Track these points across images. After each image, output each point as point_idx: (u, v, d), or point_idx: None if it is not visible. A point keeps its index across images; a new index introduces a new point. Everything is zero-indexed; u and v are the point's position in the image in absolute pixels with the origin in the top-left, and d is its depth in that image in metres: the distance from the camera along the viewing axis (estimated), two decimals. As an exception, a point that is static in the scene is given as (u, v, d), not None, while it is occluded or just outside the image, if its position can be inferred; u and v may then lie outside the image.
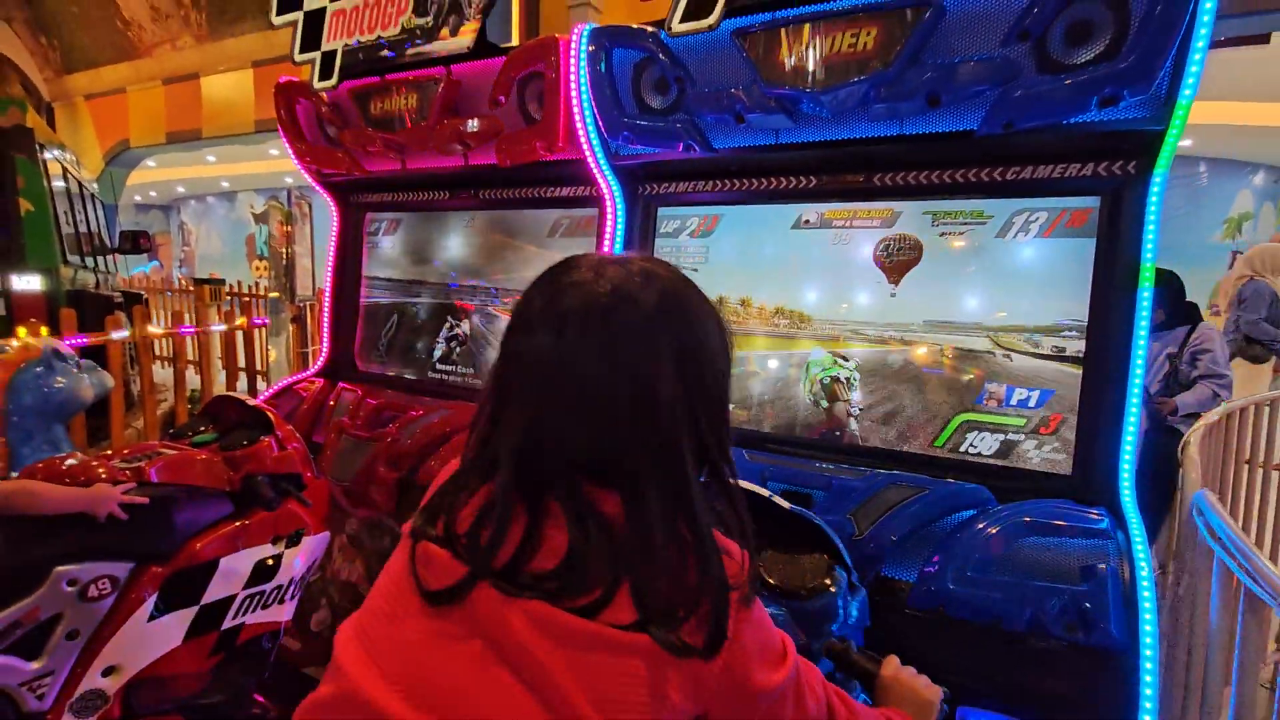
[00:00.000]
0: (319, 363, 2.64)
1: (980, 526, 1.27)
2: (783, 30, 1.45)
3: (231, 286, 8.51)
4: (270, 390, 2.53)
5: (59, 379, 2.65)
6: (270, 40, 8.57)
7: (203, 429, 1.69)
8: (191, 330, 4.31)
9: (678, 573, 0.60)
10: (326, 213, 2.73)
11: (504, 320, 2.20)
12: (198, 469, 1.50)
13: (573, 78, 1.72)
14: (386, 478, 1.96)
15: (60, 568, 1.28)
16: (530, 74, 1.83)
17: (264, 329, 4.91)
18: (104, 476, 1.40)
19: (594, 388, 0.61)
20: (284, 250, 5.03)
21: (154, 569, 1.40)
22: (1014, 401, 1.46)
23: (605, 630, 0.57)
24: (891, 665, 0.87)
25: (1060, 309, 1.43)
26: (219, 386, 4.95)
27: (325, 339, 2.63)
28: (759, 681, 0.63)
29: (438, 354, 2.39)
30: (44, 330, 3.68)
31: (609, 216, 1.92)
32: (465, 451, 0.69)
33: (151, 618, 1.40)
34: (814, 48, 1.41)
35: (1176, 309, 3.00)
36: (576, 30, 1.71)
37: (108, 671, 1.37)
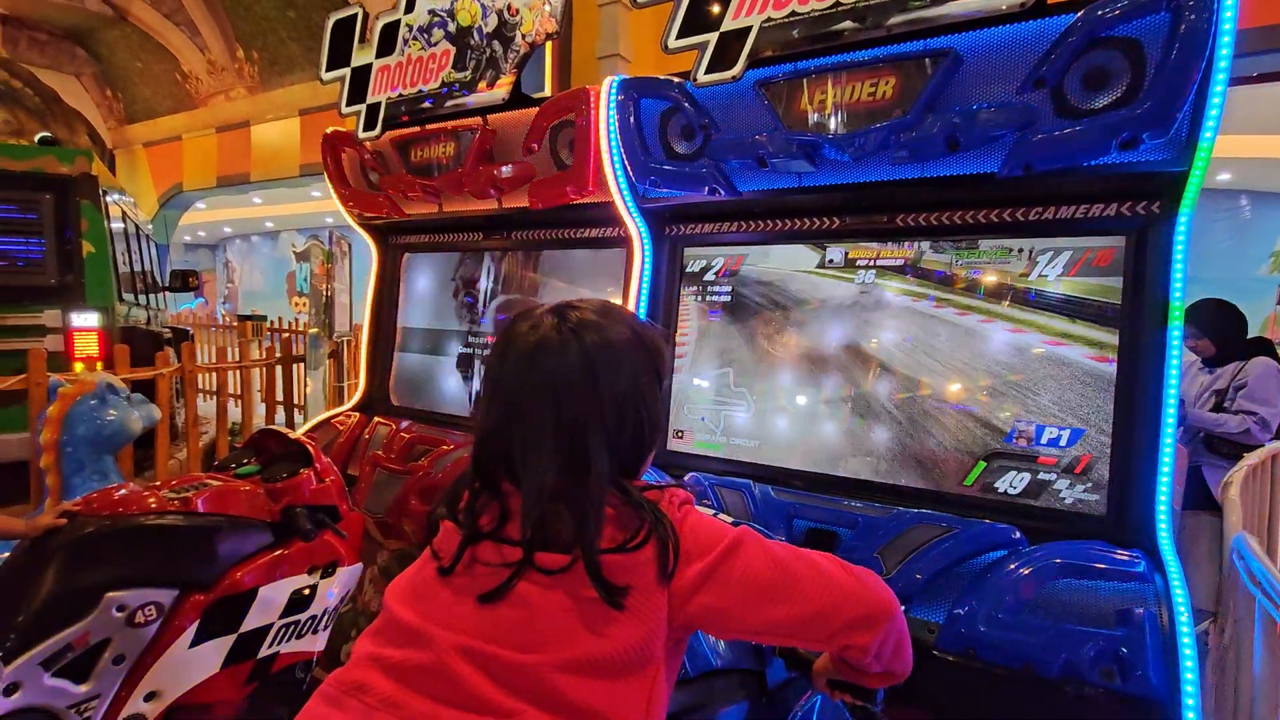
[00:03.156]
0: (356, 397, 2.73)
1: (1012, 567, 1.25)
2: (804, 80, 1.51)
3: (273, 322, 8.80)
4: (310, 424, 2.61)
5: (111, 411, 2.78)
6: (317, 90, 9.03)
7: (246, 461, 1.75)
8: (235, 365, 4.46)
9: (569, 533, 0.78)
10: (363, 251, 2.85)
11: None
12: (241, 500, 1.56)
13: (602, 125, 1.80)
14: (418, 510, 2.00)
15: (111, 593, 1.34)
16: (562, 122, 1.92)
17: (302, 364, 5.07)
18: (153, 506, 1.47)
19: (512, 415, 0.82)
20: (324, 288, 5.22)
21: (197, 596, 1.45)
22: (1044, 440, 1.45)
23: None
24: None
25: (1087, 348, 1.43)
26: (259, 419, 5.10)
27: (362, 374, 2.72)
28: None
29: (467, 389, 2.45)
30: (99, 365, 3.86)
31: (637, 256, 1.98)
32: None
33: (192, 645, 1.45)
34: (834, 96, 1.46)
35: (1233, 342, 2.90)
36: (607, 81, 1.79)
37: (149, 697, 1.41)
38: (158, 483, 1.58)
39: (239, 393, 4.53)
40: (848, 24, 1.46)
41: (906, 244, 1.66)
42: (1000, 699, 1.19)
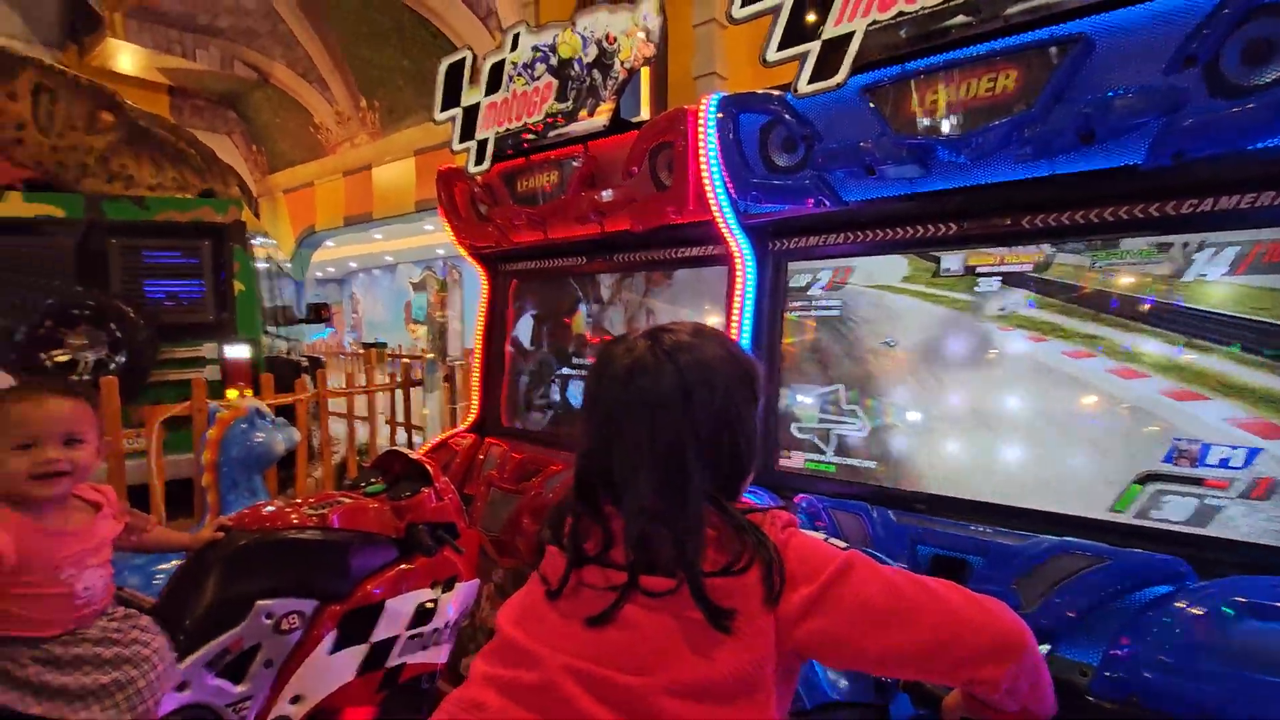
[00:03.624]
0: (470, 419, 2.86)
1: (1182, 605, 1.11)
2: (912, 81, 1.44)
3: (394, 349, 9.43)
4: (429, 444, 2.76)
5: (259, 434, 3.05)
6: (429, 130, 9.71)
7: (374, 480, 1.87)
8: (360, 390, 4.82)
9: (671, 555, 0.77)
10: (473, 279, 3.00)
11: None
12: (370, 517, 1.66)
13: (701, 144, 1.80)
14: (531, 529, 2.06)
15: (260, 601, 1.46)
16: (661, 144, 1.94)
17: (419, 387, 5.38)
18: (295, 521, 1.59)
19: (614, 434, 0.84)
20: (438, 315, 5.55)
21: (334, 607, 1.56)
22: (1212, 460, 1.28)
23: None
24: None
25: (1263, 353, 1.26)
26: (383, 439, 5.46)
27: (475, 397, 2.85)
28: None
29: (570, 411, 2.51)
30: (249, 392, 4.29)
31: (739, 273, 1.96)
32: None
33: (331, 652, 1.55)
34: (947, 95, 1.38)
35: None
36: (704, 100, 1.80)
37: (295, 700, 1.52)
38: (297, 500, 1.71)
39: (366, 415, 4.89)
40: (960, 19, 1.38)
41: (1033, 247, 1.53)
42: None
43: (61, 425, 1.22)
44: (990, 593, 1.17)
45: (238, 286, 4.58)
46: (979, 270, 1.61)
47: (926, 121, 1.43)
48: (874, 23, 1.44)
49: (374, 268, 21.16)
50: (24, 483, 1.18)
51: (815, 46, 1.51)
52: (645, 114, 2.14)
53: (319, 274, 20.54)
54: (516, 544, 2.12)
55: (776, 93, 1.67)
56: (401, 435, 5.62)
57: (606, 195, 2.06)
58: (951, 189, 1.53)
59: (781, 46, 1.56)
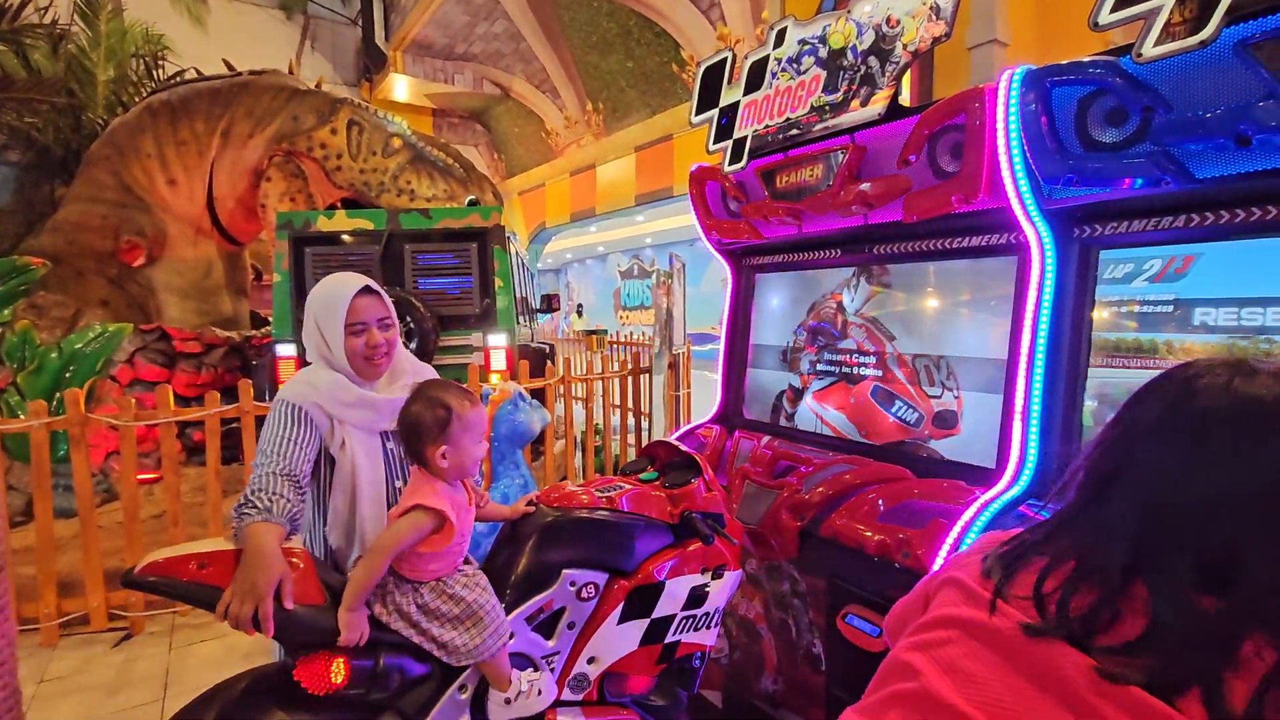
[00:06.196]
0: (714, 410, 2.94)
1: None
2: (1315, 27, 1.16)
3: (613, 336, 10.04)
4: (677, 434, 2.90)
5: (522, 415, 3.44)
6: (648, 127, 10.15)
7: (646, 467, 2.01)
8: (601, 376, 5.20)
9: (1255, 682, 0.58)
10: (692, 270, 3.06)
11: (894, 377, 2.16)
12: (651, 503, 1.78)
13: (1000, 124, 1.64)
14: (789, 525, 2.06)
15: (567, 570, 1.65)
16: (945, 128, 1.80)
17: (649, 374, 5.67)
18: (585, 501, 1.76)
19: (1232, 504, 0.62)
20: (664, 304, 5.79)
21: (622, 582, 1.71)
22: None
23: None
24: None
25: None
26: (611, 421, 5.86)
27: (720, 389, 2.92)
28: None
29: (869, 418, 2.43)
30: (507, 377, 4.86)
31: (1035, 264, 1.76)
32: (1042, 528, 0.80)
33: (619, 622, 1.70)
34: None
35: None
36: (1006, 75, 1.63)
37: (590, 660, 1.70)
38: (584, 482, 1.89)
39: (585, 398, 5.28)
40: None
41: None
42: None
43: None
44: None
45: (497, 283, 5.19)
46: (1399, 256, 1.27)
47: (1336, 75, 1.15)
48: (1259, -38, 1.18)
49: (587, 258, 22.67)
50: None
51: (1168, 1, 1.29)
52: (909, 98, 2.00)
53: (540, 265, 22.59)
54: (773, 539, 2.14)
55: (1103, 59, 1.46)
56: (631, 420, 5.97)
57: (878, 186, 1.96)
58: (1363, 156, 1.22)
59: (1120, 6, 1.35)
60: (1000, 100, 1.63)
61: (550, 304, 7.48)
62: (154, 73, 7.91)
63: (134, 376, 5.22)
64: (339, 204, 6.17)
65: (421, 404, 1.49)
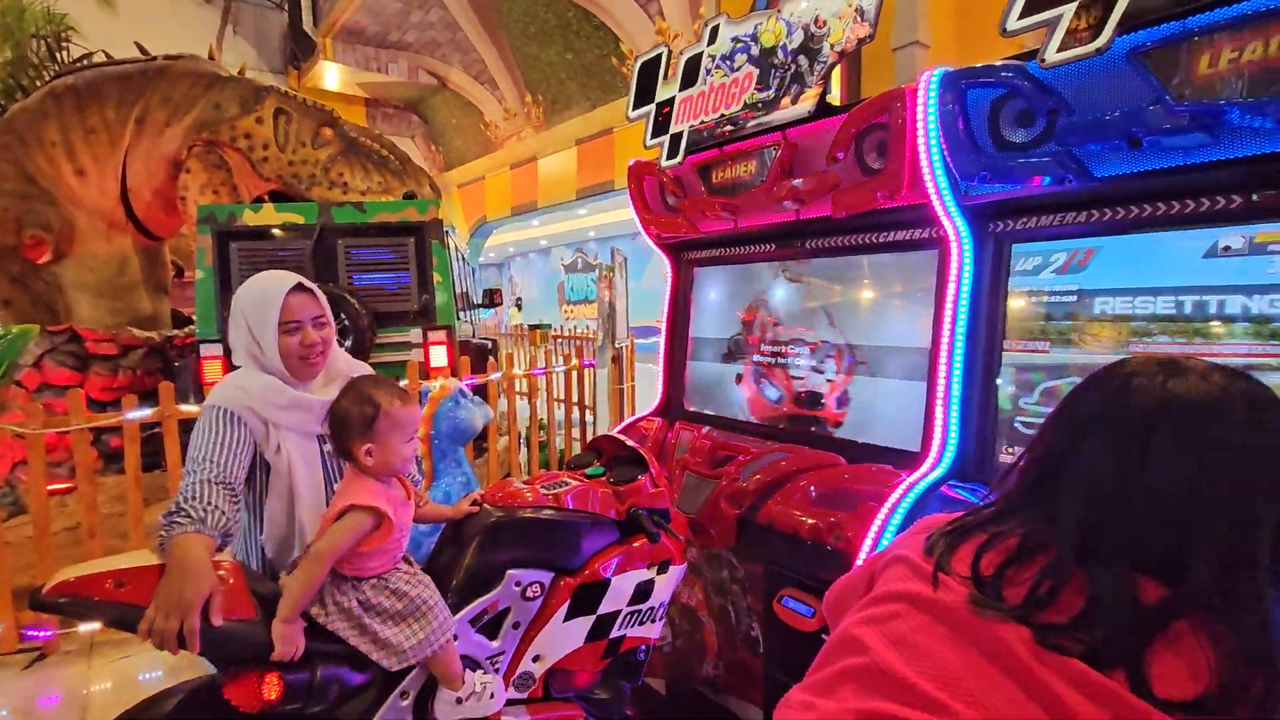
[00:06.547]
0: (655, 403, 2.97)
1: None
2: (1195, 40, 1.26)
3: (556, 330, 9.98)
4: (618, 427, 2.91)
5: (463, 411, 3.39)
6: (589, 120, 10.10)
7: (593, 462, 2.01)
8: (542, 371, 5.16)
9: (1209, 662, 0.63)
10: (636, 264, 3.08)
11: (826, 368, 2.24)
12: (597, 499, 1.79)
13: (920, 124, 1.71)
14: (728, 514, 2.11)
15: (511, 570, 1.64)
16: (870, 126, 1.87)
17: (592, 368, 5.67)
18: (531, 499, 1.76)
19: (1174, 498, 0.68)
20: (606, 298, 5.79)
21: (567, 580, 1.71)
22: None
23: (1133, 699, 0.62)
24: None
25: None
26: (554, 415, 5.83)
27: (661, 382, 2.95)
28: None
29: (756, 397, 2.52)
30: (449, 374, 4.77)
31: (954, 258, 1.85)
32: (987, 509, 0.85)
33: (565, 619, 1.71)
34: (1247, 52, 1.20)
35: None
36: (925, 76, 1.70)
37: (535, 658, 1.70)
38: (529, 480, 1.89)
39: (527, 393, 5.24)
40: (1262, -40, 1.19)
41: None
42: None
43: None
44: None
45: (435, 278, 5.08)
46: (1270, 248, 1.39)
47: (1213, 84, 1.25)
48: (1147, -24, 1.27)
49: (530, 251, 22.41)
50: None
51: (1068, 10, 1.37)
52: (839, 96, 2.06)
53: (482, 259, 22.17)
54: (712, 528, 2.18)
55: (1013, 63, 1.54)
56: (575, 414, 5.96)
57: (808, 183, 2.02)
58: (1237, 158, 1.33)
59: (1026, 13, 1.43)
60: (920, 101, 1.71)
61: (492, 299, 7.37)
62: (57, 55, 7.36)
63: (42, 381, 4.88)
64: (267, 197, 5.91)
65: (349, 399, 1.46)
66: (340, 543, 1.36)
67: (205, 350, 4.64)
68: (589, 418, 5.90)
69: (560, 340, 9.45)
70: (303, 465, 1.56)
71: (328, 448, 1.61)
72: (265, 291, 1.55)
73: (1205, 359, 0.76)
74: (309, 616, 1.38)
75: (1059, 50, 1.39)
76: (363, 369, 1.74)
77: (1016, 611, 0.71)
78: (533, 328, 11.26)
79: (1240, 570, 0.66)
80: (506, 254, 22.95)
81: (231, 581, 1.29)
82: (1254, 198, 1.38)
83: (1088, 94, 1.43)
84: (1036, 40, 1.48)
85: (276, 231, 4.88)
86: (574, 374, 5.53)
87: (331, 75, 12.61)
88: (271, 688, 1.28)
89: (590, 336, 8.07)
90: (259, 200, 5.78)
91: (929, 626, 0.75)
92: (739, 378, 2.62)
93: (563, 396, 5.92)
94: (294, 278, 1.59)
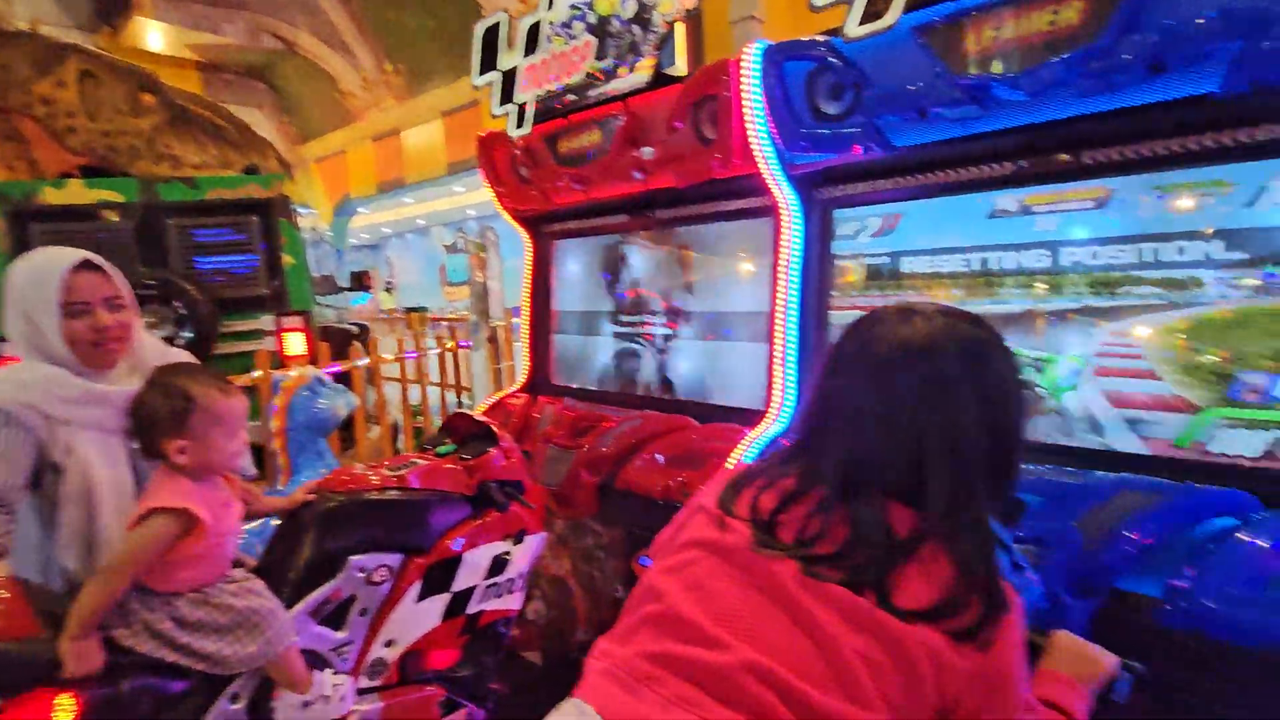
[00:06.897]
0: (521, 380, 2.94)
1: (1248, 537, 1.12)
2: (968, 18, 1.40)
3: (435, 313, 9.61)
4: (484, 405, 2.86)
5: (322, 401, 3.19)
6: (455, 91, 9.66)
7: (445, 441, 1.97)
8: (414, 355, 4.96)
9: (944, 577, 0.73)
10: (509, 240, 3.03)
11: (682, 334, 2.32)
12: (445, 476, 1.76)
13: (745, 96, 1.78)
14: (588, 482, 2.14)
15: (353, 557, 1.58)
16: (704, 97, 1.92)
17: (467, 350, 5.51)
18: (376, 482, 1.70)
19: (908, 427, 0.78)
20: (479, 278, 5.63)
21: (417, 560, 1.67)
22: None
23: (879, 613, 0.72)
24: (1062, 636, 0.92)
25: (1340, 284, 1.22)
26: (431, 400, 5.64)
27: (526, 358, 2.92)
28: (1017, 679, 0.74)
29: (619, 368, 2.57)
30: (306, 362, 4.46)
31: (785, 224, 1.95)
32: (775, 455, 0.92)
33: (417, 600, 1.67)
34: (1006, 31, 1.34)
35: None
36: (747, 50, 1.77)
37: (388, 644, 1.66)
38: (374, 462, 1.82)
39: (415, 378, 5.06)
40: (1018, -52, 1.33)
41: (1094, 182, 1.50)
42: (1233, 678, 1.08)
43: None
44: (1053, 533, 1.21)
45: (287, 260, 4.72)
46: (1035, 210, 1.59)
47: (984, 60, 1.39)
48: (926, -42, 1.39)
49: (407, 232, 21.33)
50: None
51: (864, -13, 1.47)
52: (681, 65, 2.11)
53: (354, 241, 20.81)
54: (575, 497, 2.21)
55: (822, 38, 1.63)
56: (451, 397, 5.79)
57: (649, 152, 2.05)
58: (1008, 128, 1.49)
59: (829, -11, 1.52)
60: (745, 73, 1.77)
61: (361, 282, 6.96)
62: None
63: None
64: (77, 171, 5.21)
65: (154, 392, 1.33)
66: (139, 551, 1.24)
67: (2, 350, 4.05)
68: (465, 399, 5.76)
69: (437, 323, 9.10)
70: (103, 466, 1.40)
71: (136, 444, 1.46)
72: (41, 270, 1.37)
73: (940, 303, 0.86)
74: (112, 640, 1.25)
75: (860, 25, 1.49)
76: (179, 357, 1.58)
77: (790, 549, 0.78)
78: (409, 310, 10.77)
79: (960, 498, 0.76)
80: (381, 235, 21.68)
81: (8, 597, 1.15)
82: (1022, 164, 1.56)
83: (884, 68, 1.55)
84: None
85: (101, 212, 4.32)
86: (448, 356, 5.35)
87: (155, 36, 11.21)
88: (66, 708, 1.16)
89: (465, 318, 7.84)
90: (65, 175, 5.08)
91: (719, 569, 0.81)
92: (602, 349, 2.65)
93: (438, 380, 5.72)
94: (78, 254, 1.41)
